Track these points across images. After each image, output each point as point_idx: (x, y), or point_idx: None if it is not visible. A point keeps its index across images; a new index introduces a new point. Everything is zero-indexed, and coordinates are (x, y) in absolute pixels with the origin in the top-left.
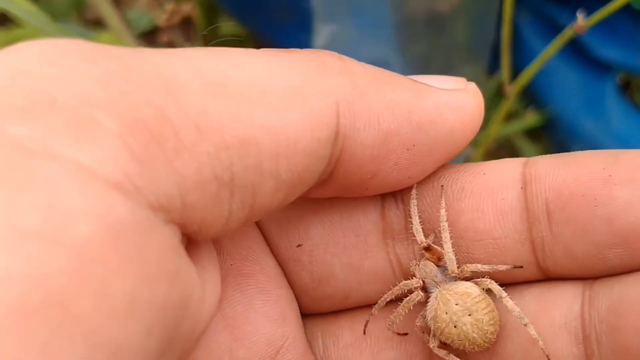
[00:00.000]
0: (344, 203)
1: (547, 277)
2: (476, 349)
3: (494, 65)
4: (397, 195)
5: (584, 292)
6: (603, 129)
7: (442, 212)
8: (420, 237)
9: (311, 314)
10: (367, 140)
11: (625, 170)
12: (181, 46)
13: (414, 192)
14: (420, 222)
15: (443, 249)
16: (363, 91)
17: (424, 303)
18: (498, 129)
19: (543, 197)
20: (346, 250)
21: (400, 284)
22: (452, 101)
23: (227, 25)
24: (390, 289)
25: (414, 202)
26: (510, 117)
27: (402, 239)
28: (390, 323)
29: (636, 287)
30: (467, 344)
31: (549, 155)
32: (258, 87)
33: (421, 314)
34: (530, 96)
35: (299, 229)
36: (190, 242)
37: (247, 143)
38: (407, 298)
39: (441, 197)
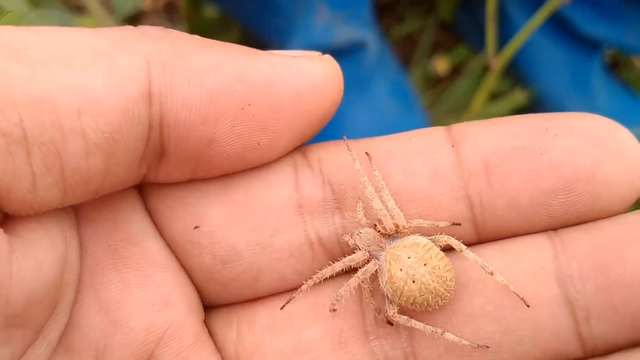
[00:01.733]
0: (249, 181)
1: (480, 239)
2: (440, 302)
3: (480, 46)
4: (313, 166)
5: (552, 239)
6: (589, 108)
7: (376, 172)
8: (376, 204)
9: (229, 303)
10: (190, 99)
11: (560, 123)
12: None
13: (358, 165)
14: (332, 195)
15: (382, 207)
16: (183, 52)
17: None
18: (482, 103)
19: (479, 153)
20: (253, 229)
21: (345, 259)
22: (292, 65)
23: (211, 11)
24: (309, 266)
25: (362, 173)
26: (497, 97)
27: (320, 212)
28: (339, 298)
29: (616, 227)
30: (430, 297)
31: (470, 122)
32: (61, 50)
33: (365, 287)
34: (517, 76)
35: (196, 211)
36: (8, 217)
37: (41, 101)
38: (363, 268)
39: (370, 161)
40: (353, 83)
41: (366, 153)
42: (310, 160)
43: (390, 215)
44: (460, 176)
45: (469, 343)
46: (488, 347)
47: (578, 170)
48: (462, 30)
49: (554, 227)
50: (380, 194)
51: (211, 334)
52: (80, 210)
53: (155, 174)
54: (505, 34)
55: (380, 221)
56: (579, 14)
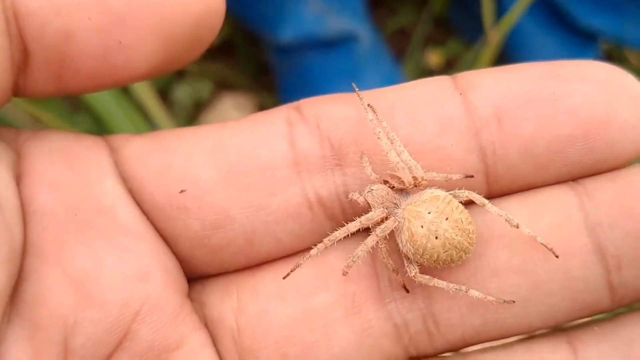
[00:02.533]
0: (240, 139)
1: (492, 191)
2: (463, 256)
3: (474, 40)
4: (310, 121)
5: (575, 189)
6: None
7: (384, 124)
8: (393, 156)
9: (224, 272)
10: None
11: (571, 70)
12: None
13: (369, 111)
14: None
15: (399, 159)
16: None
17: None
18: None
19: (490, 100)
20: (246, 190)
21: (361, 218)
22: None
23: None
24: (308, 228)
25: (375, 124)
26: None
27: (319, 170)
28: (355, 259)
29: (637, 175)
30: (454, 252)
31: (478, 70)
32: None
33: (381, 246)
34: None
35: (182, 173)
36: None
37: None
38: (382, 226)
39: (375, 113)
40: (345, 75)
41: (369, 105)
42: (305, 116)
43: (407, 167)
44: (471, 125)
45: (494, 299)
46: (514, 302)
47: (595, 116)
48: (456, 24)
49: (570, 176)
50: (394, 146)
51: (205, 305)
52: (43, 175)
53: (24, 82)
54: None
55: (393, 176)
56: (577, 4)
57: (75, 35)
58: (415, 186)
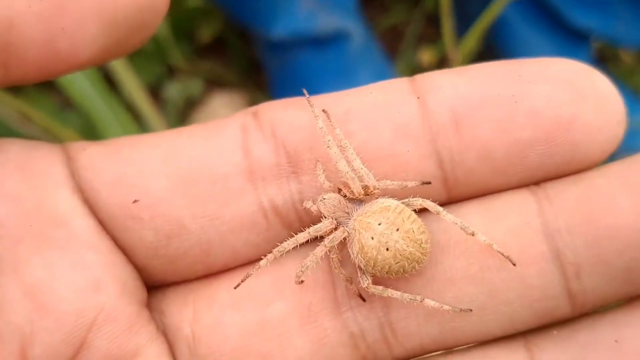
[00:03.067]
0: (193, 148)
1: (452, 197)
2: (416, 266)
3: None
4: (265, 127)
5: (535, 194)
6: None
7: (337, 131)
8: (342, 166)
9: (183, 280)
10: None
11: (534, 69)
12: None
13: (320, 121)
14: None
15: (348, 169)
16: None
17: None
18: None
19: (447, 104)
20: (199, 200)
21: (309, 229)
22: None
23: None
24: (264, 237)
25: (324, 131)
26: None
27: (274, 178)
28: (304, 269)
29: (603, 178)
30: (406, 263)
31: (436, 71)
32: None
33: (332, 256)
34: None
35: (135, 183)
36: None
37: None
38: (330, 236)
39: (329, 119)
40: (337, 73)
41: (323, 110)
42: (261, 122)
43: (357, 177)
44: (428, 130)
45: (450, 308)
46: (471, 310)
47: (557, 118)
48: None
49: (530, 181)
50: (345, 154)
51: (164, 314)
52: None
53: None
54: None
55: (346, 184)
56: (568, 3)
57: (17, 23)
58: (367, 195)
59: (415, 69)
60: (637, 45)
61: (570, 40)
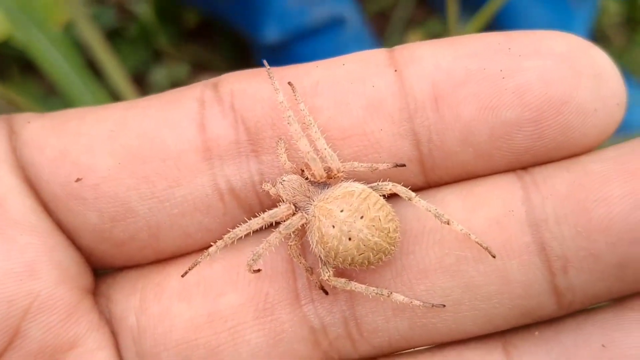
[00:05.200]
0: (142, 121)
1: (429, 182)
2: (384, 257)
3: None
4: (224, 100)
5: (522, 179)
6: None
7: (302, 106)
8: (303, 145)
9: (134, 265)
10: None
11: (526, 42)
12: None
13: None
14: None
15: (310, 149)
16: None
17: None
18: None
19: (428, 78)
20: (147, 179)
21: (264, 215)
22: None
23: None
24: (220, 221)
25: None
26: None
27: (232, 157)
28: (256, 258)
29: (598, 164)
30: (371, 255)
31: (418, 42)
32: None
33: (291, 244)
34: None
35: (78, 159)
36: None
37: None
38: (287, 222)
39: (294, 92)
40: (327, 57)
41: (289, 83)
42: (221, 94)
43: (320, 158)
44: (404, 107)
45: (421, 303)
46: (444, 306)
47: (548, 97)
48: (436, 4)
49: (517, 165)
50: (308, 132)
51: (111, 300)
52: None
53: None
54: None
55: (307, 166)
56: None
57: None
58: (330, 178)
59: None
60: None
61: (566, 4)
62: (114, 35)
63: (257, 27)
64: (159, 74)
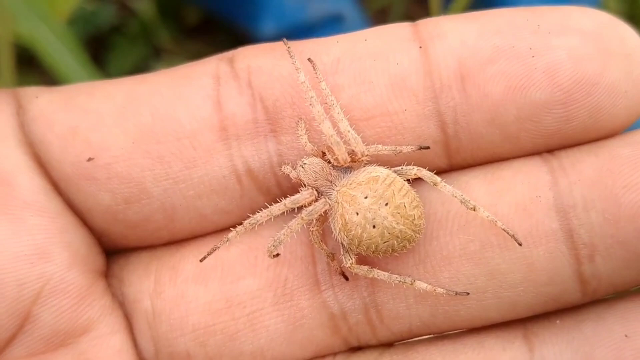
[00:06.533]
0: (156, 99)
1: (453, 164)
2: (407, 245)
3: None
4: (241, 77)
5: (549, 163)
6: None
7: (323, 84)
8: (326, 128)
9: (148, 246)
10: None
11: (554, 19)
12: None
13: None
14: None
15: (333, 132)
16: None
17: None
18: None
19: (454, 55)
20: (162, 159)
21: (285, 201)
22: None
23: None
24: (237, 203)
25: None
26: None
27: (249, 137)
28: (277, 244)
29: (628, 148)
30: (395, 243)
31: (442, 17)
32: None
33: (312, 229)
34: None
35: (89, 137)
36: None
37: None
38: (309, 208)
39: (315, 70)
40: None
41: (309, 59)
42: (237, 70)
43: (343, 140)
44: (429, 86)
45: (444, 291)
46: (468, 294)
47: (578, 77)
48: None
49: (544, 148)
50: (331, 113)
51: (124, 282)
52: None
53: None
54: None
55: (330, 149)
56: None
57: None
58: (354, 162)
59: None
60: None
61: None
62: (114, 32)
63: (255, 23)
64: (159, 69)
